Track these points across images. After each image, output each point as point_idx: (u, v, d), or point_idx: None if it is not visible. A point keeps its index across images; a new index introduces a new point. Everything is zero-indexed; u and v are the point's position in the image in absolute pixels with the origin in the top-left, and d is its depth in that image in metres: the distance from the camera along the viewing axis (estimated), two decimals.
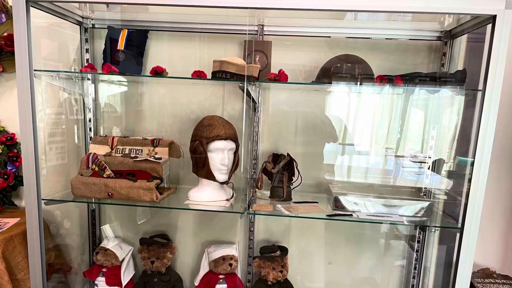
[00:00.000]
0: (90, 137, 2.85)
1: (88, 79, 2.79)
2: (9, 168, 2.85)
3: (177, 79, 2.65)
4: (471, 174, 2.01)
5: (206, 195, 2.51)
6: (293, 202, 2.59)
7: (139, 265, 2.98)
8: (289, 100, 2.79)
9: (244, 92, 2.35)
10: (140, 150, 2.61)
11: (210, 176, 2.43)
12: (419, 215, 2.42)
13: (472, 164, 2.00)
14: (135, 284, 2.91)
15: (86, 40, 2.75)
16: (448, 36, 2.55)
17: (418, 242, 2.85)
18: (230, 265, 2.75)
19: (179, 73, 2.61)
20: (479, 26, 2.14)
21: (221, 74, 2.35)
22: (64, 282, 2.94)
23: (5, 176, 2.80)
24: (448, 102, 2.67)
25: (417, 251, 2.87)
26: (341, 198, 2.46)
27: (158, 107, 2.87)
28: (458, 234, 2.14)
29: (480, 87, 1.98)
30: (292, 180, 2.64)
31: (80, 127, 2.88)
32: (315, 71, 2.60)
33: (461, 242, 2.10)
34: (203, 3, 2.00)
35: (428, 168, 2.73)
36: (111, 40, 2.63)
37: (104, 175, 2.44)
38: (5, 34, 2.69)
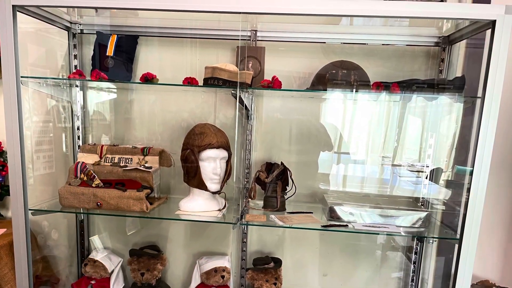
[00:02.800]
0: (79, 146, 2.82)
1: (77, 86, 2.76)
2: None
3: (168, 86, 2.62)
4: (470, 183, 1.99)
5: (198, 205, 2.49)
6: (287, 213, 2.57)
7: (128, 277, 2.94)
8: (283, 107, 2.76)
9: (236, 99, 2.33)
10: (129, 159, 2.58)
11: (202, 186, 2.40)
12: (416, 225, 2.40)
13: (471, 173, 1.97)
14: None
15: (75, 46, 2.72)
16: (447, 42, 2.53)
17: (416, 253, 2.82)
18: (223, 277, 2.71)
19: (170, 79, 2.58)
20: (478, 32, 2.12)
21: (213, 81, 2.32)
22: None
23: None
24: (446, 109, 2.65)
25: (414, 262, 2.83)
26: (337, 208, 2.44)
27: (149, 114, 2.83)
28: (456, 245, 2.12)
29: (479, 94, 1.97)
30: (286, 189, 2.61)
31: (68, 135, 2.84)
32: (309, 78, 2.59)
33: (460, 253, 2.08)
34: (195, 8, 1.98)
35: (426, 178, 2.71)
36: (100, 46, 2.60)
37: (93, 185, 2.41)
38: None
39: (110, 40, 2.58)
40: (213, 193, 2.44)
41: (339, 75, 2.32)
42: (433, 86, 2.25)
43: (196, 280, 2.79)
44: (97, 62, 2.60)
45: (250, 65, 2.58)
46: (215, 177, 2.40)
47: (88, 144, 2.66)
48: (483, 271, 2.82)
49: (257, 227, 2.87)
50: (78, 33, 2.71)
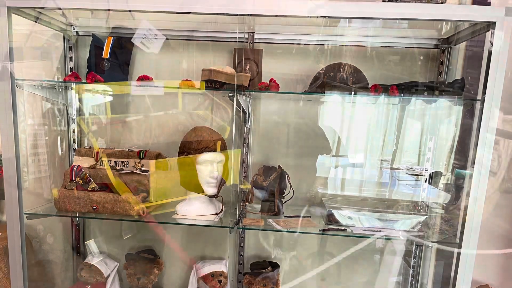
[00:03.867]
0: (74, 149, 2.80)
1: (72, 88, 2.74)
2: None
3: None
4: (469, 187, 1.98)
5: (195, 209, 2.47)
6: (285, 216, 2.55)
7: (124, 282, 2.92)
8: (281, 110, 2.75)
9: (234, 102, 2.31)
10: (126, 162, 2.57)
11: (199, 190, 2.37)
12: (415, 229, 2.40)
13: (471, 177, 1.96)
14: None
15: (70, 48, 2.71)
16: (446, 44, 2.52)
17: (415, 257, 2.81)
18: (220, 281, 2.70)
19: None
20: (478, 34, 2.12)
21: (210, 83, 2.30)
22: None
23: None
24: (445, 112, 2.64)
25: (413, 267, 2.82)
26: (335, 212, 2.43)
27: (145, 117, 2.82)
28: (456, 250, 2.11)
29: (479, 96, 1.96)
30: (284, 193, 2.59)
31: (64, 139, 2.82)
32: (307, 80, 2.57)
33: (459, 257, 2.07)
34: (192, 10, 1.97)
35: (425, 181, 2.70)
36: (96, 48, 2.57)
37: (89, 188, 2.39)
38: None
39: (106, 42, 2.56)
40: (210, 197, 2.44)
41: (337, 78, 2.32)
42: (432, 89, 2.24)
43: (193, 284, 2.77)
44: (93, 65, 2.57)
45: (248, 67, 2.57)
46: (212, 180, 2.38)
47: (84, 148, 2.65)
48: (483, 276, 2.79)
49: (254, 231, 2.86)
50: (74, 35, 2.70)
